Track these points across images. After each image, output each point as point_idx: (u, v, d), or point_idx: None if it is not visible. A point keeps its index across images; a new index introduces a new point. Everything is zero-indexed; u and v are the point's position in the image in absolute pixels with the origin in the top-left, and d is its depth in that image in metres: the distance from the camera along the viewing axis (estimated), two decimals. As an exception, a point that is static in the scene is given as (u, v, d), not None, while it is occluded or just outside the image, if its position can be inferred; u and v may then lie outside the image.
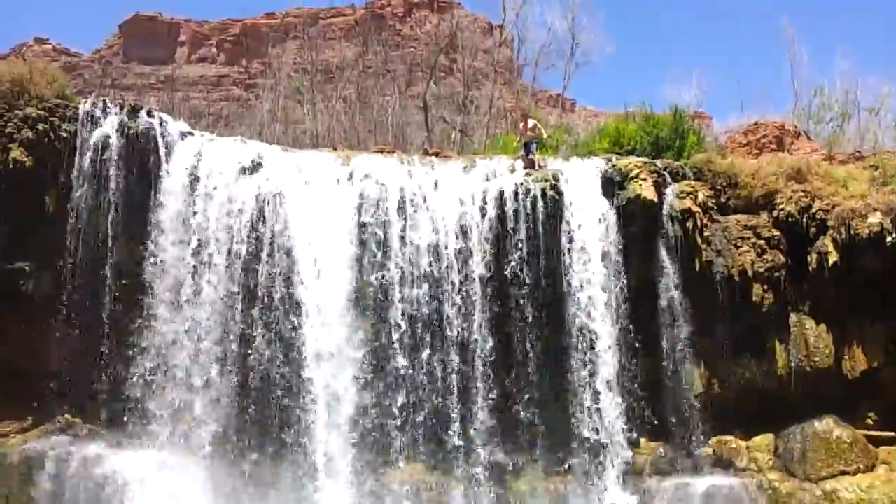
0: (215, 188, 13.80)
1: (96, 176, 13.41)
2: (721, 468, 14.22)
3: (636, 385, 14.03)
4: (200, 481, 12.51)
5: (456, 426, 13.46)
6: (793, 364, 14.28)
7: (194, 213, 13.57)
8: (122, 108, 14.10)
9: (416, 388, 13.52)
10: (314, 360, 13.24)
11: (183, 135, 14.40)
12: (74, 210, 13.28)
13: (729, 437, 14.38)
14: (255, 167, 14.29)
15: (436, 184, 14.68)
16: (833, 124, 23.97)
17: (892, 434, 14.11)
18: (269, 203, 13.78)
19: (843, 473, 13.62)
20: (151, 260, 13.32)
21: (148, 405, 12.89)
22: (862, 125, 25.59)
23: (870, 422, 14.25)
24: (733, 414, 14.28)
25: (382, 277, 13.79)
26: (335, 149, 17.48)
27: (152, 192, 13.63)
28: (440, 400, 13.55)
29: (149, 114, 14.30)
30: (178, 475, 12.35)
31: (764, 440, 14.30)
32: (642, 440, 14.18)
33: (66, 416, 13.05)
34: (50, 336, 13.00)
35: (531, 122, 16.47)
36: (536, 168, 14.95)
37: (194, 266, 13.34)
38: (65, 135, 13.54)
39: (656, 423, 14.23)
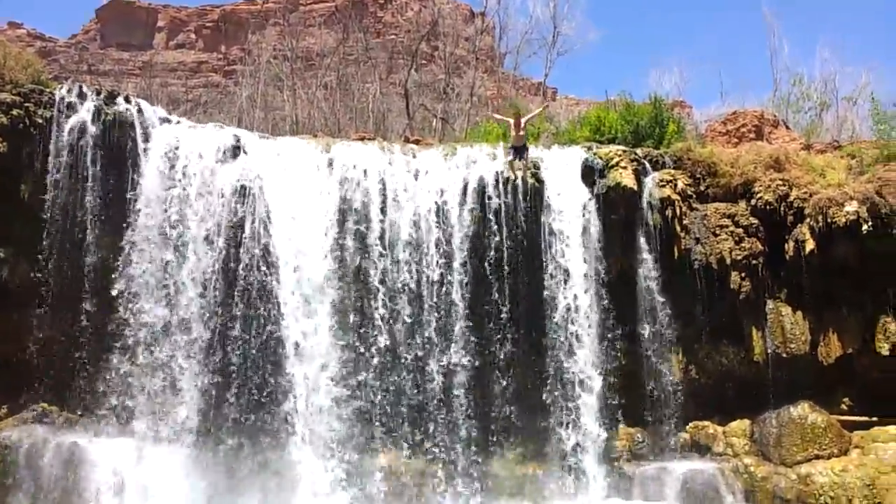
0: (194, 174, 13.70)
1: (73, 162, 13.29)
2: (698, 453, 14.44)
3: (615, 372, 14.16)
4: (180, 468, 12.44)
5: (437, 423, 13.54)
6: (769, 351, 14.45)
7: (172, 200, 13.46)
8: (98, 93, 13.96)
9: (397, 379, 13.55)
10: (293, 348, 13.22)
11: (161, 121, 14.29)
12: (51, 197, 13.13)
13: (706, 423, 14.58)
14: (234, 154, 14.20)
15: (416, 172, 14.67)
16: (811, 114, 24.11)
17: (865, 419, 14.30)
18: (248, 190, 13.70)
19: (817, 458, 13.81)
20: (129, 247, 13.20)
21: (125, 393, 12.80)
22: (840, 115, 25.82)
23: (844, 407, 14.45)
24: (710, 400, 14.46)
25: (362, 265, 13.76)
26: (315, 136, 17.38)
27: (130, 179, 13.51)
28: (420, 396, 13.59)
29: (126, 100, 14.18)
30: (156, 462, 12.30)
31: (740, 425, 14.48)
32: (620, 426, 14.31)
33: (43, 404, 12.95)
34: (27, 324, 12.90)
35: (523, 121, 15.26)
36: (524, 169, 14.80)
37: (173, 253, 13.24)
38: (40, 121, 13.40)
39: (634, 409, 14.37)
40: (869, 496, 13.25)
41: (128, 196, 13.42)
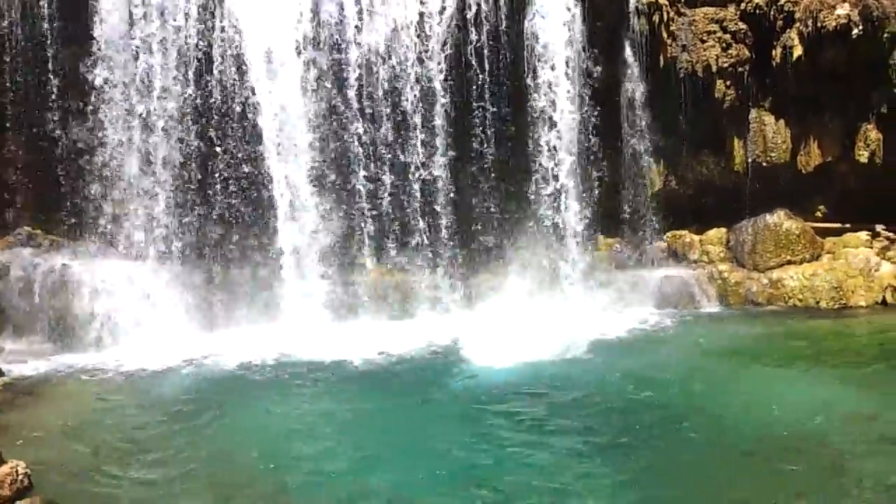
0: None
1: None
2: (675, 261, 14.89)
3: (596, 184, 14.27)
4: (168, 285, 12.71)
5: (421, 235, 13.74)
6: (750, 160, 14.52)
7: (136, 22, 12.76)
8: None
9: (379, 200, 13.60)
10: (275, 161, 13.11)
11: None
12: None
13: (683, 232, 14.94)
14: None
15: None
16: None
17: (839, 225, 14.70)
18: (214, 7, 12.97)
19: (789, 263, 14.30)
20: (95, 73, 12.68)
21: (106, 216, 12.82)
22: None
23: (819, 215, 14.80)
24: (689, 210, 14.71)
25: (338, 84, 13.39)
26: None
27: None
28: (402, 213, 13.70)
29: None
30: (145, 281, 12.57)
31: (717, 234, 14.86)
32: (600, 237, 14.64)
33: (27, 227, 12.99)
34: (3, 148, 12.64)
35: None
36: None
37: (142, 78, 12.77)
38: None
39: (613, 220, 14.64)
40: (835, 297, 13.88)
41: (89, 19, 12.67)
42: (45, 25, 12.65)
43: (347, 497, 6.79)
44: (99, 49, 12.61)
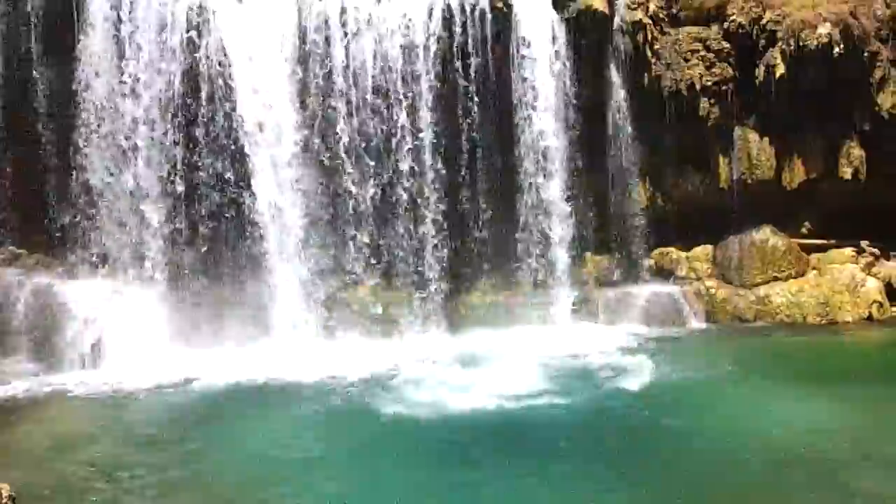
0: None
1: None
2: (662, 278, 14.94)
3: (583, 201, 14.33)
4: (154, 305, 12.63)
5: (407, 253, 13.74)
6: (735, 177, 14.63)
7: (122, 36, 12.76)
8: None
9: (365, 215, 13.61)
10: (261, 177, 13.09)
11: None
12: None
13: (670, 249, 15.02)
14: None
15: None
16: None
17: (824, 242, 14.82)
18: (201, 22, 12.99)
19: (776, 279, 14.39)
20: (80, 86, 12.66)
21: (92, 236, 12.76)
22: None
23: (805, 231, 14.90)
24: (675, 227, 14.78)
25: (326, 99, 13.41)
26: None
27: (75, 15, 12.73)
28: (390, 227, 13.70)
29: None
30: (130, 301, 12.47)
31: (703, 251, 14.94)
32: (587, 254, 14.68)
33: (12, 247, 12.89)
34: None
35: None
36: None
37: (127, 93, 12.76)
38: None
39: (601, 238, 14.70)
40: (822, 313, 13.97)
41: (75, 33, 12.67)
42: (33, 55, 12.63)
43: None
44: (83, 67, 12.60)
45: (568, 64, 14.05)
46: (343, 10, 13.54)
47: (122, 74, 12.70)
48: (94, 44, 12.69)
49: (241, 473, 7.78)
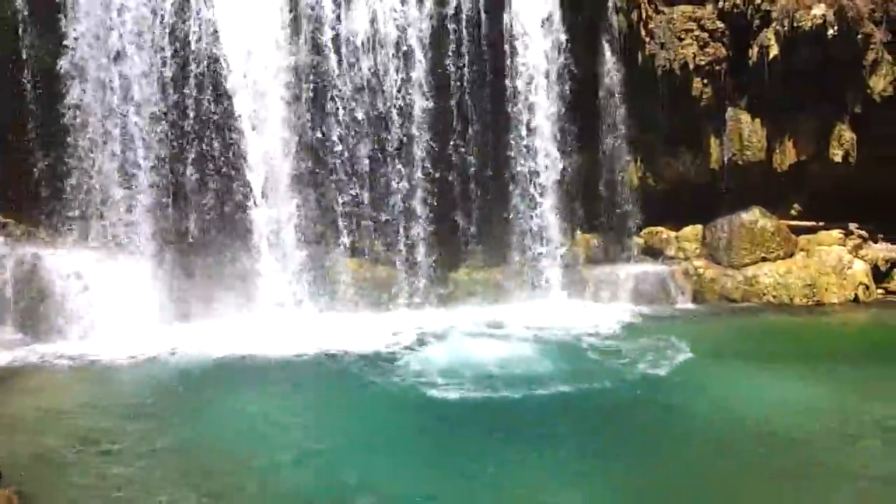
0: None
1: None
2: (651, 257, 14.99)
3: (574, 180, 14.32)
4: (143, 276, 12.55)
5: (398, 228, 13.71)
6: (726, 158, 14.64)
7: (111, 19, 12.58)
8: None
9: (356, 186, 13.55)
10: (253, 154, 12.99)
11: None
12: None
13: (660, 229, 15.05)
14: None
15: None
16: None
17: (812, 223, 14.88)
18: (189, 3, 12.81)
19: (764, 260, 14.45)
20: (68, 64, 12.49)
21: (81, 206, 12.65)
22: None
23: (794, 213, 14.95)
24: (665, 207, 14.80)
25: (318, 78, 13.30)
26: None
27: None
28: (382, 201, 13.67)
29: None
30: (119, 272, 12.39)
31: (693, 231, 14.99)
32: (577, 233, 14.71)
33: (0, 216, 12.77)
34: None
35: None
36: None
37: (117, 74, 12.60)
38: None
39: (591, 216, 14.71)
40: (809, 294, 14.05)
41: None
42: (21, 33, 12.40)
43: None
44: (74, 47, 12.44)
45: (562, 41, 13.97)
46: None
47: (108, 42, 12.53)
48: (81, 15, 12.49)
49: (227, 443, 7.79)
